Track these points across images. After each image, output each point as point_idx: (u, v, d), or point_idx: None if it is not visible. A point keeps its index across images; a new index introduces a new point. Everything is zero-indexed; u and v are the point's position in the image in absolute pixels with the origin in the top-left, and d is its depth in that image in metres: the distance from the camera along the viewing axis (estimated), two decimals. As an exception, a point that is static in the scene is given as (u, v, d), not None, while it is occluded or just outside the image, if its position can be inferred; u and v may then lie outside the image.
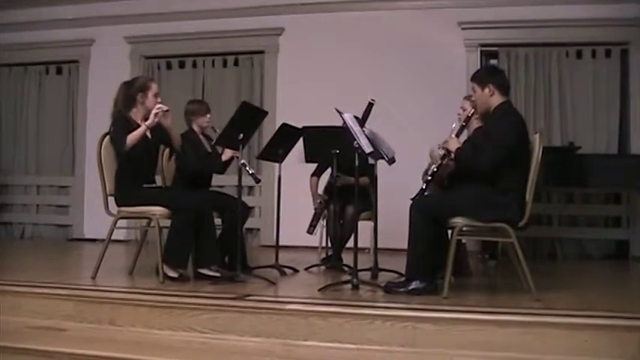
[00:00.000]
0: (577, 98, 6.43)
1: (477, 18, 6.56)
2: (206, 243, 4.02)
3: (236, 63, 7.40)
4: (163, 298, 3.31)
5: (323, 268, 4.89)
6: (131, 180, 4.02)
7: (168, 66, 7.60)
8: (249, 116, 4.15)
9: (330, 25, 6.94)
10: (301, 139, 4.58)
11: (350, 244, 4.48)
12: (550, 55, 6.49)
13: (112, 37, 7.56)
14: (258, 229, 7.12)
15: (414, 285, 3.46)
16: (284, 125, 4.55)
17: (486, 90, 3.59)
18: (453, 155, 3.63)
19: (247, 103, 4.26)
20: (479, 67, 6.27)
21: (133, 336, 3.18)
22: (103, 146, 4.10)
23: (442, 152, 3.72)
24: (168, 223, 3.97)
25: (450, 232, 3.53)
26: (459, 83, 6.17)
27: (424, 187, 3.73)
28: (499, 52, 6.64)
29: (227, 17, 7.22)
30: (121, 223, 4.15)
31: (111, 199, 4.08)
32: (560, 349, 2.77)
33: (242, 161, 4.12)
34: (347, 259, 4.60)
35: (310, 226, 4.95)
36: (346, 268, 4.60)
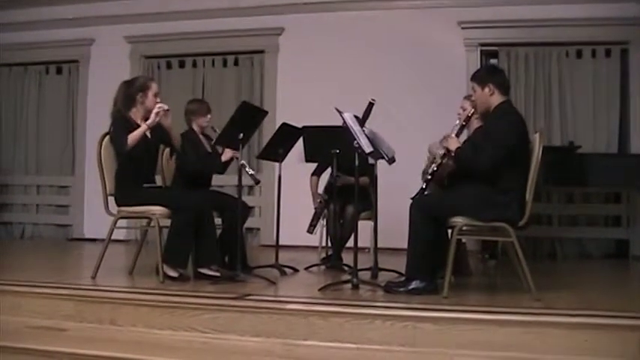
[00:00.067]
0: (577, 98, 6.43)
1: (477, 17, 6.56)
2: (206, 243, 4.02)
3: (236, 63, 7.40)
4: (164, 298, 3.31)
5: (323, 267, 4.89)
6: (131, 180, 4.02)
7: (168, 66, 7.60)
8: (249, 116, 4.15)
9: (330, 25, 6.94)
10: (301, 139, 4.59)
11: (350, 243, 4.48)
12: (550, 54, 6.49)
13: (111, 37, 7.56)
14: (258, 229, 7.13)
15: (414, 284, 3.47)
16: (284, 125, 4.55)
17: (486, 89, 3.59)
18: (452, 154, 3.63)
19: (247, 103, 4.26)
20: (479, 66, 6.27)
21: (133, 336, 3.18)
22: (102, 146, 4.09)
23: (442, 152, 3.72)
24: (168, 222, 3.97)
25: (450, 231, 3.53)
26: (459, 83, 6.17)
27: (424, 187, 3.73)
28: (499, 51, 6.64)
29: (227, 17, 7.22)
30: (121, 222, 4.14)
31: (111, 199, 4.08)
32: (560, 348, 2.78)
33: (242, 162, 4.11)
34: (347, 258, 4.60)
35: (310, 225, 4.95)
36: (346, 268, 4.60)
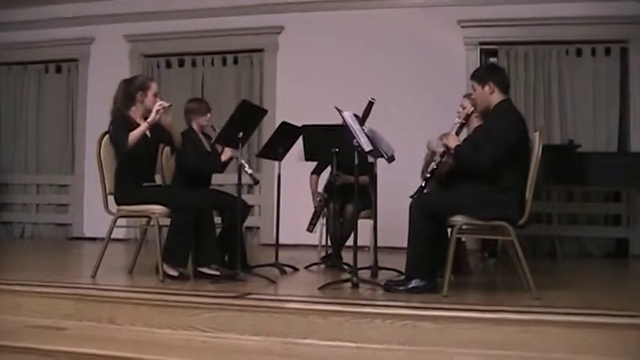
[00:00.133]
0: (577, 96, 6.43)
1: (477, 16, 6.56)
2: (206, 242, 4.01)
3: (235, 61, 7.40)
4: (163, 297, 3.32)
5: (323, 266, 4.89)
6: (131, 179, 4.02)
7: (168, 64, 7.60)
8: (249, 115, 4.15)
9: (329, 24, 6.93)
10: (301, 138, 4.59)
11: (350, 242, 4.47)
12: (550, 53, 6.49)
13: (111, 36, 7.56)
14: (258, 228, 7.13)
15: (413, 283, 3.47)
16: (284, 123, 4.55)
17: (486, 88, 3.59)
18: (452, 152, 3.63)
19: (247, 102, 4.26)
20: (478, 65, 6.26)
21: (132, 335, 3.18)
22: (102, 145, 4.09)
23: (441, 149, 3.72)
24: (167, 221, 3.97)
25: (449, 230, 3.53)
26: (459, 81, 6.17)
27: (423, 185, 3.73)
28: (499, 50, 6.64)
29: (226, 16, 7.22)
30: (121, 221, 4.14)
31: (110, 198, 4.07)
32: (560, 347, 2.78)
33: (241, 161, 4.11)
34: (347, 257, 4.60)
35: (310, 224, 4.95)
36: (346, 267, 4.60)
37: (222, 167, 4.56)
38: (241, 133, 4.04)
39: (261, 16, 7.15)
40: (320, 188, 5.28)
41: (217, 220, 4.29)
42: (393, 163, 4.23)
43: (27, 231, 7.90)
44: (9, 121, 8.09)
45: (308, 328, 3.00)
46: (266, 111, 4.46)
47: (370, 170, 4.52)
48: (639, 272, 5.37)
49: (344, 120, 3.75)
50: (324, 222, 5.12)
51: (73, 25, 7.68)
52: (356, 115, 3.92)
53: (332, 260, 4.88)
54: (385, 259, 4.39)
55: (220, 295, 3.34)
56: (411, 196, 3.65)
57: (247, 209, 4.71)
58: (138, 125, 3.93)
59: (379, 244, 4.48)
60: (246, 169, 4.10)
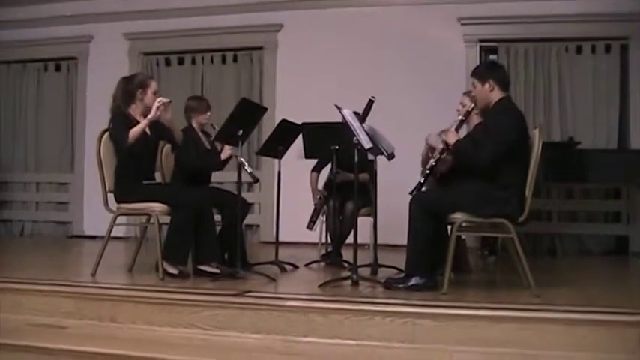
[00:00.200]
0: (577, 94, 6.43)
1: (477, 13, 6.55)
2: (206, 239, 4.02)
3: (235, 59, 7.39)
4: (163, 295, 3.32)
5: (323, 264, 4.90)
6: (131, 176, 4.02)
7: (167, 62, 7.60)
8: (249, 112, 4.15)
9: (329, 21, 6.93)
10: (301, 135, 4.58)
11: (350, 240, 4.48)
12: (550, 50, 6.49)
13: (110, 34, 7.55)
14: (258, 226, 7.13)
15: (413, 281, 3.47)
16: (283, 121, 4.55)
17: (486, 85, 3.59)
18: (451, 148, 3.63)
19: (246, 100, 4.25)
20: (478, 62, 6.26)
21: (133, 333, 3.19)
22: (102, 143, 4.09)
23: (440, 146, 3.72)
24: (167, 219, 3.97)
25: (449, 227, 3.53)
26: (459, 79, 6.17)
27: (422, 182, 3.73)
28: (498, 47, 6.63)
29: (226, 14, 7.20)
30: (121, 219, 4.14)
31: (110, 196, 4.08)
32: (559, 344, 2.78)
33: (240, 159, 4.10)
34: (347, 255, 4.60)
35: (310, 221, 4.95)
36: (346, 264, 4.59)
37: (221, 165, 4.56)
38: (241, 131, 4.03)
39: (260, 13, 7.14)
40: (320, 186, 5.28)
41: (217, 217, 4.29)
42: (393, 160, 4.24)
43: (27, 229, 7.90)
44: (8, 120, 8.09)
45: (308, 325, 3.00)
46: (266, 109, 4.46)
47: (370, 168, 4.52)
48: (639, 270, 5.37)
49: (344, 117, 3.75)
50: (324, 220, 5.12)
51: (72, 23, 7.67)
52: (356, 113, 3.92)
53: (332, 258, 4.89)
54: (385, 257, 4.39)
55: (220, 292, 3.34)
56: (410, 193, 3.65)
57: (247, 207, 4.71)
58: (138, 123, 3.93)
59: (379, 241, 4.48)
60: (245, 167, 4.10)
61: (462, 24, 6.62)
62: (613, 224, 6.34)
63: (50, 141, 7.90)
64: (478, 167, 3.49)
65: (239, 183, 4.13)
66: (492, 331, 2.85)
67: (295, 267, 4.61)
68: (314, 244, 5.50)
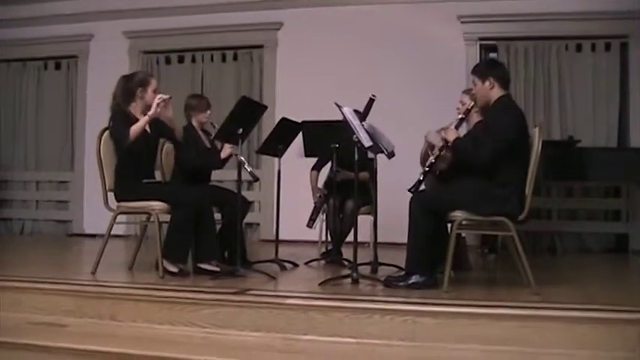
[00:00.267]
0: (576, 92, 6.43)
1: (476, 11, 6.55)
2: (206, 238, 4.01)
3: (235, 58, 7.39)
4: (163, 293, 3.32)
5: (323, 262, 4.90)
6: (131, 175, 4.02)
7: (167, 61, 7.60)
8: (249, 111, 4.14)
9: (329, 20, 6.92)
10: (301, 134, 4.58)
11: (350, 238, 4.48)
12: (549, 48, 6.49)
13: (110, 32, 7.54)
14: (258, 224, 7.13)
15: (413, 279, 3.47)
16: (283, 120, 4.55)
17: (487, 83, 3.59)
18: (450, 145, 3.62)
19: (247, 98, 4.25)
20: (478, 60, 6.26)
21: (133, 331, 3.19)
22: (102, 141, 4.09)
23: (440, 143, 3.72)
24: (167, 218, 3.97)
25: (449, 226, 3.53)
26: (459, 77, 6.17)
27: (421, 179, 3.73)
28: (498, 45, 6.63)
29: (226, 12, 7.20)
30: (121, 218, 4.14)
31: (110, 195, 4.07)
32: (559, 342, 2.78)
33: (240, 158, 4.10)
34: (347, 253, 4.60)
35: (310, 220, 4.95)
36: (346, 263, 4.59)
37: (221, 164, 4.56)
38: (241, 130, 4.03)
39: (260, 12, 7.14)
40: (320, 184, 5.28)
41: (217, 216, 4.29)
42: (393, 159, 4.24)
43: (27, 227, 7.90)
44: (8, 118, 8.09)
45: (308, 324, 3.00)
46: (266, 107, 4.46)
47: (370, 166, 4.52)
48: (639, 268, 5.38)
49: (344, 116, 3.75)
50: (324, 218, 5.12)
51: (72, 21, 7.67)
52: (356, 111, 3.92)
53: (332, 256, 4.89)
54: (385, 255, 4.39)
55: (220, 291, 3.34)
56: (409, 190, 3.66)
57: (247, 205, 4.71)
58: (138, 121, 3.92)
59: (379, 239, 4.48)
60: (245, 166, 4.09)
61: (462, 22, 6.62)
62: (613, 222, 6.34)
63: (50, 139, 7.90)
64: (478, 165, 3.49)
65: (239, 181, 4.13)
66: (492, 329, 2.85)
67: (295, 265, 4.61)
68: (314, 243, 5.50)
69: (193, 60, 7.49)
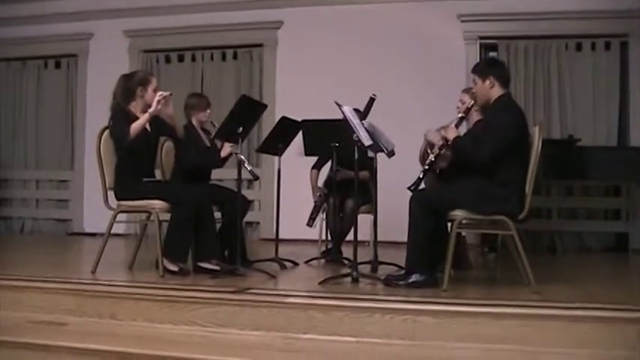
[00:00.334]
0: (576, 91, 6.43)
1: (476, 10, 6.55)
2: (206, 237, 4.02)
3: (235, 56, 7.39)
4: (164, 292, 3.32)
5: (323, 261, 4.90)
6: (131, 174, 4.02)
7: (167, 60, 7.59)
8: (249, 109, 4.14)
9: (329, 18, 6.92)
10: (301, 132, 4.58)
11: (350, 237, 4.48)
12: (549, 47, 6.48)
13: (110, 31, 7.54)
14: (258, 223, 7.13)
15: (413, 278, 3.47)
16: (283, 118, 4.55)
17: (487, 82, 3.59)
18: (450, 144, 3.62)
19: (247, 97, 4.25)
20: (478, 59, 6.25)
21: (133, 330, 3.19)
22: (102, 140, 4.09)
23: (440, 142, 3.72)
24: (167, 217, 3.97)
25: (449, 224, 3.53)
26: (459, 76, 6.17)
27: (421, 177, 3.73)
28: (498, 44, 6.62)
29: (226, 10, 7.20)
30: (121, 217, 4.14)
31: (110, 193, 4.07)
32: (559, 341, 2.78)
33: (240, 156, 4.10)
34: (347, 252, 4.61)
35: (310, 219, 4.96)
36: (346, 261, 4.60)
37: (221, 163, 4.55)
38: (241, 128, 4.03)
39: (260, 11, 7.13)
40: (320, 183, 5.28)
41: (217, 215, 4.29)
42: (393, 157, 4.23)
43: (27, 226, 7.90)
44: (8, 117, 8.08)
45: (308, 322, 3.01)
46: (266, 106, 4.46)
47: (370, 165, 4.52)
48: (639, 266, 5.38)
49: (344, 115, 3.75)
50: (324, 217, 5.12)
51: (72, 20, 7.66)
52: (356, 110, 3.92)
53: (332, 255, 4.89)
54: (385, 254, 4.40)
55: (220, 290, 3.34)
56: (409, 188, 3.66)
57: (247, 204, 4.71)
58: (138, 119, 3.92)
59: (379, 238, 4.48)
60: (245, 165, 4.09)
61: (462, 21, 6.61)
62: (613, 221, 6.34)
63: (50, 138, 7.90)
64: (478, 164, 3.49)
65: (239, 180, 4.13)
66: (492, 328, 2.85)
67: (295, 264, 4.62)
68: (314, 242, 5.50)
69: (193, 59, 7.48)
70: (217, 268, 3.96)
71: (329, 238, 5.15)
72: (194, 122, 4.68)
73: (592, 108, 6.38)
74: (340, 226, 4.96)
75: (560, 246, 6.25)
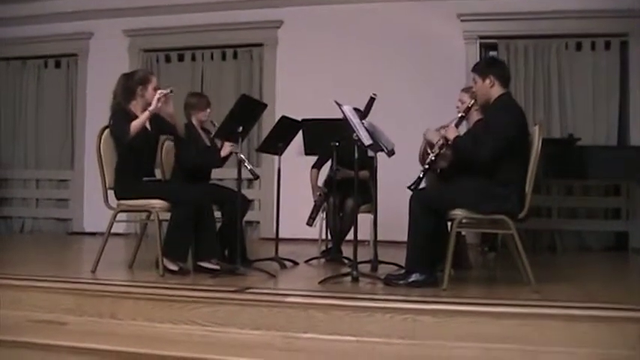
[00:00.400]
0: (576, 90, 6.42)
1: (476, 10, 6.54)
2: (206, 236, 4.02)
3: (235, 56, 7.39)
4: (164, 292, 3.32)
5: (323, 260, 4.90)
6: (131, 173, 4.02)
7: (167, 59, 7.59)
8: (249, 109, 4.14)
9: (329, 18, 6.92)
10: (301, 132, 4.58)
11: (350, 236, 4.48)
12: (549, 47, 6.48)
13: (110, 31, 7.54)
14: (258, 222, 7.13)
15: (413, 277, 3.47)
16: (283, 118, 4.55)
17: (487, 81, 3.59)
18: (451, 143, 3.62)
19: (247, 96, 4.25)
20: (478, 59, 6.25)
21: (133, 329, 3.19)
22: (102, 139, 4.09)
23: (440, 141, 3.72)
24: (167, 216, 3.97)
25: (449, 224, 3.53)
26: (459, 75, 6.17)
27: (421, 176, 3.73)
28: (498, 44, 6.62)
29: (226, 10, 7.19)
30: (121, 216, 4.15)
31: (110, 193, 4.07)
32: (559, 340, 2.78)
33: (240, 155, 4.10)
34: (347, 251, 4.61)
35: (310, 218, 4.96)
36: (346, 261, 4.60)
37: (221, 162, 4.55)
38: (241, 128, 4.03)
39: (260, 10, 7.13)
40: (320, 182, 5.28)
41: (217, 214, 4.29)
42: (393, 157, 4.23)
43: (27, 226, 7.90)
44: (8, 117, 8.08)
45: (308, 322, 3.01)
46: (266, 105, 4.46)
47: (370, 164, 4.52)
48: (639, 266, 5.38)
49: (344, 114, 3.75)
50: (324, 216, 5.12)
51: (72, 19, 7.65)
52: (356, 109, 3.91)
53: (332, 254, 4.89)
54: (385, 253, 4.39)
55: (220, 289, 3.34)
56: (409, 187, 3.66)
57: (247, 203, 4.71)
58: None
59: (379, 238, 4.48)
60: (245, 164, 4.09)
61: (462, 20, 6.61)
62: (613, 220, 6.34)
63: (50, 138, 7.89)
64: (478, 163, 3.49)
65: (239, 179, 4.13)
66: (492, 327, 2.85)
67: (295, 263, 4.62)
68: (314, 241, 5.50)
69: (193, 58, 7.48)
70: (217, 267, 3.96)
71: (329, 237, 5.15)
72: (194, 122, 4.68)
73: (592, 107, 6.38)
74: (340, 225, 4.96)
75: (560, 245, 6.25)
